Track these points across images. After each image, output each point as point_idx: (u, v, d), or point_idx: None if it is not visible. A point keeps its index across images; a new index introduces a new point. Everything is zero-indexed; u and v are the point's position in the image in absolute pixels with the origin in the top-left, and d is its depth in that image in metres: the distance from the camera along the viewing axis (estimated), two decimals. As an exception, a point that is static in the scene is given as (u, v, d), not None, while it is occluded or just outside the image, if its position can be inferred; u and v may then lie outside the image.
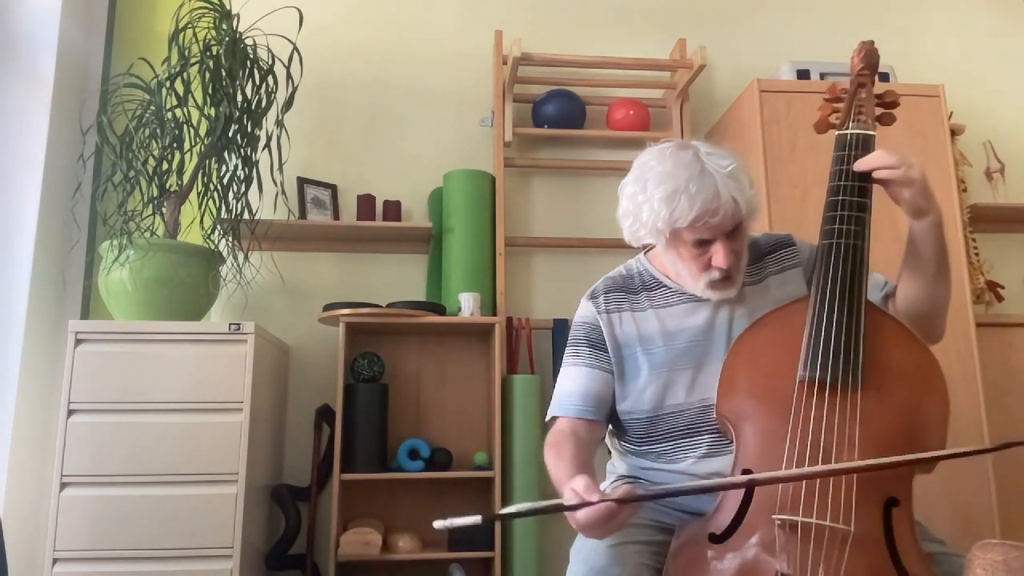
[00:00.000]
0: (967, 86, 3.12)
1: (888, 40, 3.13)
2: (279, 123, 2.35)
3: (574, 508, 1.05)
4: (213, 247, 2.38)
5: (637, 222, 1.33)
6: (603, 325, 1.42)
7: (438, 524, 0.99)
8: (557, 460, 1.27)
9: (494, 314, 2.68)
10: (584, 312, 1.46)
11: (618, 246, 2.80)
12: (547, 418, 1.43)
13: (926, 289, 1.31)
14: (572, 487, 1.08)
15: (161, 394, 2.07)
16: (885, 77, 2.76)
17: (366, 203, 2.74)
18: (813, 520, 1.07)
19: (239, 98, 2.35)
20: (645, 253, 1.50)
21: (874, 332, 1.21)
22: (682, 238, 1.30)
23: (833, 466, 1.10)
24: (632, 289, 1.45)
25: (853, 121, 1.36)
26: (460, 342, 2.74)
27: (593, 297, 1.46)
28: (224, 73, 2.30)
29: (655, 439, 1.37)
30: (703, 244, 1.30)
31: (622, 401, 1.39)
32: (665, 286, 1.42)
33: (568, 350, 1.45)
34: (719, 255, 1.28)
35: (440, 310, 2.55)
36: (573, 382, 1.40)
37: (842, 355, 1.17)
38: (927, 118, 2.59)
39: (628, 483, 1.43)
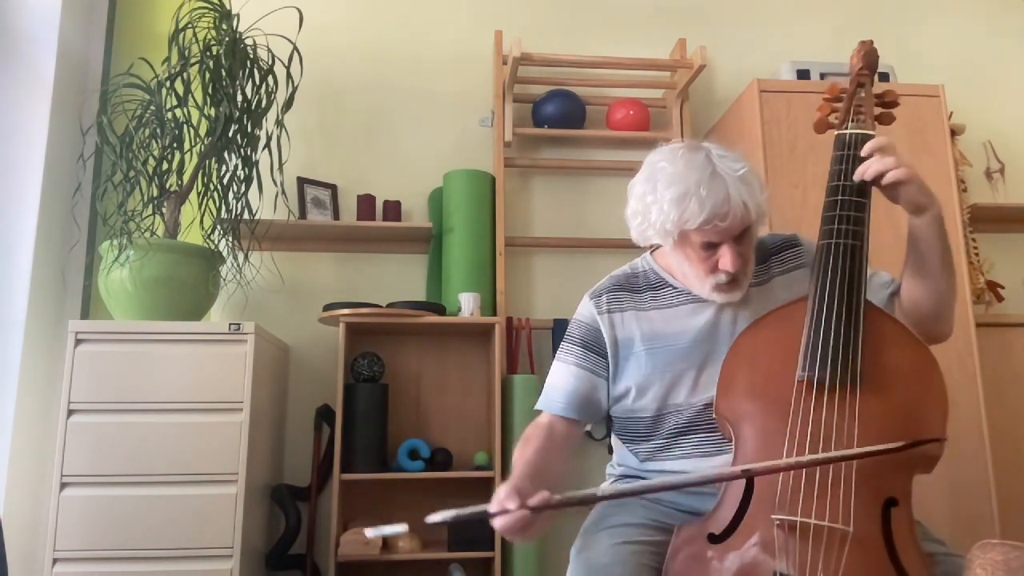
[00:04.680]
0: (967, 86, 3.12)
1: (888, 40, 3.14)
2: (279, 123, 2.35)
3: (491, 516, 1.13)
4: (213, 247, 2.38)
5: (646, 222, 1.33)
6: (603, 327, 1.41)
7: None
8: (519, 454, 1.34)
9: (494, 314, 2.68)
10: (584, 311, 1.46)
11: (618, 246, 2.85)
12: (535, 408, 1.46)
13: (933, 285, 1.30)
14: (496, 494, 1.15)
15: (161, 394, 2.08)
16: (885, 77, 2.76)
17: (366, 203, 2.74)
18: (812, 520, 1.07)
19: (239, 98, 2.35)
20: (651, 252, 1.50)
21: (873, 332, 1.21)
22: (690, 240, 1.30)
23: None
24: (636, 288, 1.44)
25: (852, 121, 1.36)
26: (460, 342, 2.74)
27: (595, 296, 1.45)
28: (224, 73, 2.30)
29: (658, 438, 1.37)
30: (711, 247, 1.29)
31: (624, 399, 1.39)
32: (670, 286, 1.42)
33: (563, 344, 1.46)
34: (726, 258, 1.28)
35: (440, 310, 2.55)
36: (561, 378, 1.43)
37: (841, 355, 1.17)
38: (927, 118, 2.59)
39: (625, 481, 1.44)
